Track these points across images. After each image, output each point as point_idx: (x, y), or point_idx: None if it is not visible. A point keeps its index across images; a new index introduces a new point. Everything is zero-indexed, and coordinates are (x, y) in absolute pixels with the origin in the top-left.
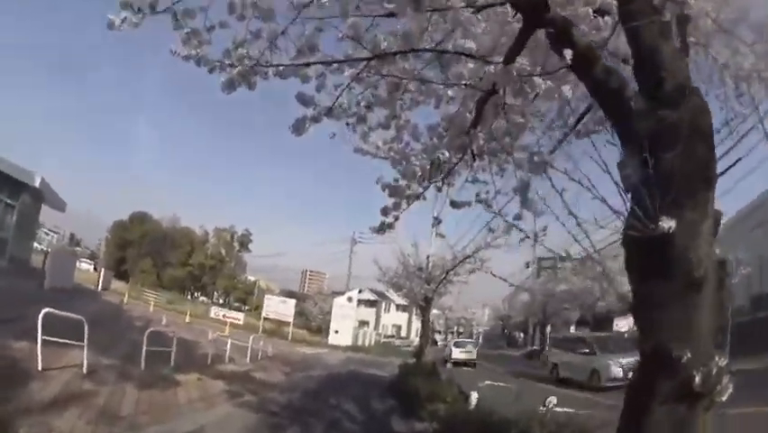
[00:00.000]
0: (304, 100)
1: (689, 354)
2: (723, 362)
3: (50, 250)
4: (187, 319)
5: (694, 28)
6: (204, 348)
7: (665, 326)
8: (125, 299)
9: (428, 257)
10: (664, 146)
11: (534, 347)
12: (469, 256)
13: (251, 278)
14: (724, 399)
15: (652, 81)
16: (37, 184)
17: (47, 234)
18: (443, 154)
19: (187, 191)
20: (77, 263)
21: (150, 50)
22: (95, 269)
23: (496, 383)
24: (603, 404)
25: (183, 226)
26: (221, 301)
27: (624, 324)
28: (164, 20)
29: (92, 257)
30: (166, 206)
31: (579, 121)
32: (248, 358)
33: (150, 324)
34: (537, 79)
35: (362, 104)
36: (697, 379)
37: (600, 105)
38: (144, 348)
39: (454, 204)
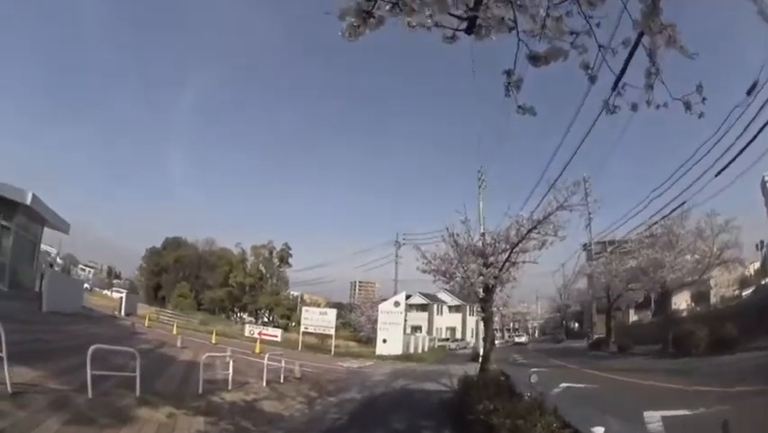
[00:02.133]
0: None
1: None
2: None
3: (45, 273)
4: (213, 340)
5: None
6: (214, 371)
7: None
8: (146, 323)
9: (483, 234)
10: None
11: (599, 335)
12: (541, 221)
13: (295, 293)
14: None
15: None
16: (28, 202)
17: (83, 270)
18: None
19: (221, 212)
20: (110, 292)
21: None
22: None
23: (576, 385)
24: None
25: (220, 248)
26: (265, 319)
27: (681, 300)
28: None
29: (131, 288)
30: (201, 229)
31: None
32: (264, 381)
33: (161, 347)
34: None
35: None
36: None
37: None
38: (90, 371)
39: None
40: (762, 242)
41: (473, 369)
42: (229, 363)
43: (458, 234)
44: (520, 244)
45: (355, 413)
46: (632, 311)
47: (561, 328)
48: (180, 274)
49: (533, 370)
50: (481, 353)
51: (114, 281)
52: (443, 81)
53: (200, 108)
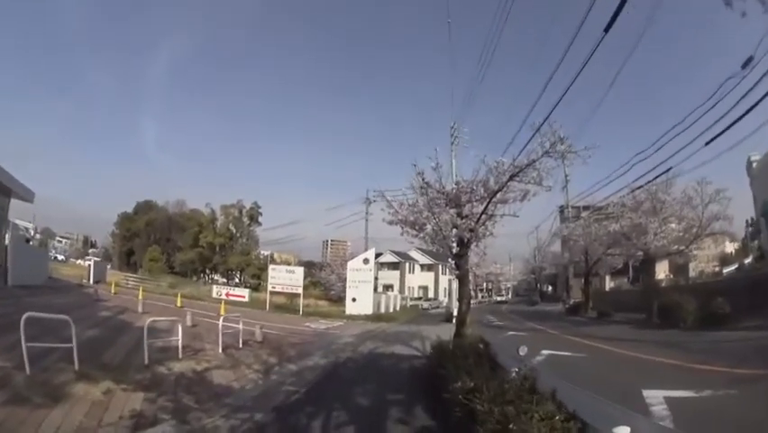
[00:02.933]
0: None
1: None
2: None
3: (9, 246)
4: (179, 303)
5: None
6: (170, 337)
7: None
8: (112, 289)
9: (457, 183)
10: None
11: (576, 300)
12: (524, 167)
13: (266, 252)
14: None
15: None
16: None
17: (60, 242)
18: None
19: (193, 174)
20: (83, 262)
21: None
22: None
23: (560, 353)
24: None
25: (191, 209)
26: (237, 280)
27: (660, 270)
28: None
29: (105, 255)
30: (174, 192)
31: None
32: (220, 347)
33: (121, 313)
34: None
35: None
36: None
37: None
38: (24, 344)
39: None
40: (752, 218)
41: (447, 331)
42: (179, 328)
43: (428, 183)
44: (499, 194)
45: (315, 384)
46: (608, 277)
47: (535, 291)
48: (152, 238)
49: (510, 333)
50: (455, 314)
51: (90, 251)
52: (417, 31)
53: (168, 70)
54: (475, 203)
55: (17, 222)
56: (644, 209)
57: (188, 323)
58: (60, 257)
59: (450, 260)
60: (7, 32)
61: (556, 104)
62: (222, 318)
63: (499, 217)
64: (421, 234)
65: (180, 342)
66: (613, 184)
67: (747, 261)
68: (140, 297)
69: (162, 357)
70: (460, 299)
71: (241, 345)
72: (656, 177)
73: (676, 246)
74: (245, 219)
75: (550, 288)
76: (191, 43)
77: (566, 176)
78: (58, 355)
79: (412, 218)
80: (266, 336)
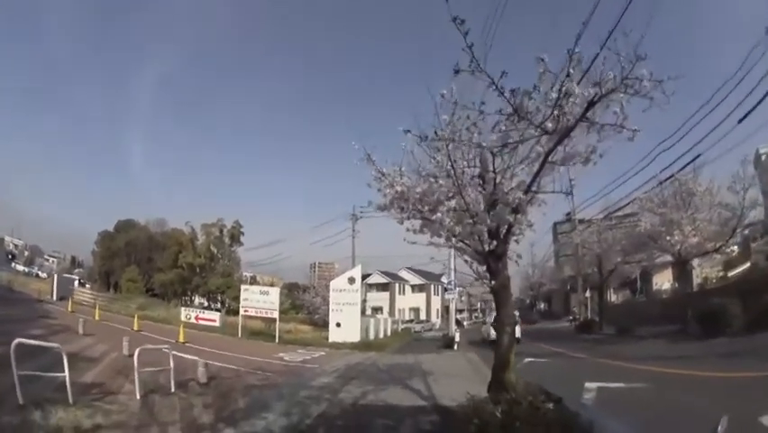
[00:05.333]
0: None
1: None
2: None
3: None
4: (136, 326)
5: None
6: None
7: None
8: (69, 306)
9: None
10: None
11: (585, 316)
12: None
13: (248, 274)
14: None
15: None
16: None
17: (47, 260)
18: None
19: (176, 193)
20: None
21: None
22: (80, 284)
23: (611, 385)
24: None
25: (172, 228)
26: (219, 303)
27: (662, 280)
28: None
29: (90, 275)
30: (155, 209)
31: None
32: (137, 391)
33: (55, 334)
34: None
35: None
36: None
37: None
38: None
39: None
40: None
41: (451, 361)
42: (114, 356)
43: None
44: (566, 147)
45: None
46: (611, 290)
47: (531, 309)
48: (132, 258)
49: (528, 359)
50: (457, 339)
51: (76, 271)
52: (406, 35)
53: (151, 88)
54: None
55: (6, 238)
56: (672, 205)
57: (125, 351)
58: (43, 274)
59: (473, 265)
60: None
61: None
62: (137, 351)
63: (539, 204)
64: (435, 217)
65: (67, 378)
66: (623, 187)
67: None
68: (96, 316)
69: (53, 398)
70: (499, 326)
71: (173, 389)
72: (681, 169)
73: (713, 243)
74: (226, 239)
75: (542, 305)
76: (174, 60)
77: (571, 180)
78: None
79: (419, 191)
80: (220, 373)
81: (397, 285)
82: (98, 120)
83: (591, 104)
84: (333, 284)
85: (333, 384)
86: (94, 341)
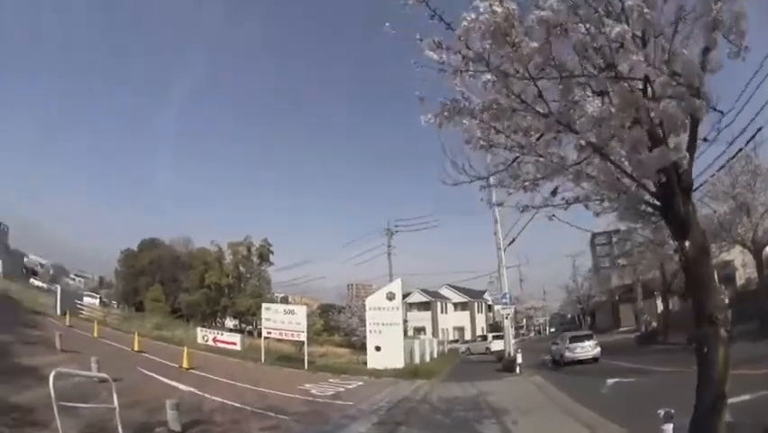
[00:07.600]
0: None
1: None
2: None
3: None
4: (136, 347)
5: None
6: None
7: None
8: (67, 321)
9: None
10: None
11: (653, 325)
12: None
13: (279, 294)
14: None
15: None
16: None
17: (73, 280)
18: None
19: (203, 212)
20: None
21: None
22: (101, 303)
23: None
24: None
25: (198, 248)
26: (251, 326)
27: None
28: None
29: (116, 294)
30: (181, 229)
31: None
32: None
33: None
34: None
35: None
36: None
37: None
38: None
39: None
40: None
41: (520, 390)
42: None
43: None
44: None
45: None
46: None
47: (575, 323)
48: (156, 277)
49: (612, 380)
50: (519, 361)
51: (102, 291)
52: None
53: (176, 104)
54: None
55: (31, 257)
56: (743, 185)
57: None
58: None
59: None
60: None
61: None
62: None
63: None
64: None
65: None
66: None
67: None
68: (95, 333)
69: None
70: (704, 330)
71: None
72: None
73: None
74: (255, 258)
75: (588, 318)
76: (199, 72)
77: None
78: None
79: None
80: (213, 414)
81: (438, 303)
82: (125, 137)
83: None
84: (368, 301)
85: None
86: (65, 359)
